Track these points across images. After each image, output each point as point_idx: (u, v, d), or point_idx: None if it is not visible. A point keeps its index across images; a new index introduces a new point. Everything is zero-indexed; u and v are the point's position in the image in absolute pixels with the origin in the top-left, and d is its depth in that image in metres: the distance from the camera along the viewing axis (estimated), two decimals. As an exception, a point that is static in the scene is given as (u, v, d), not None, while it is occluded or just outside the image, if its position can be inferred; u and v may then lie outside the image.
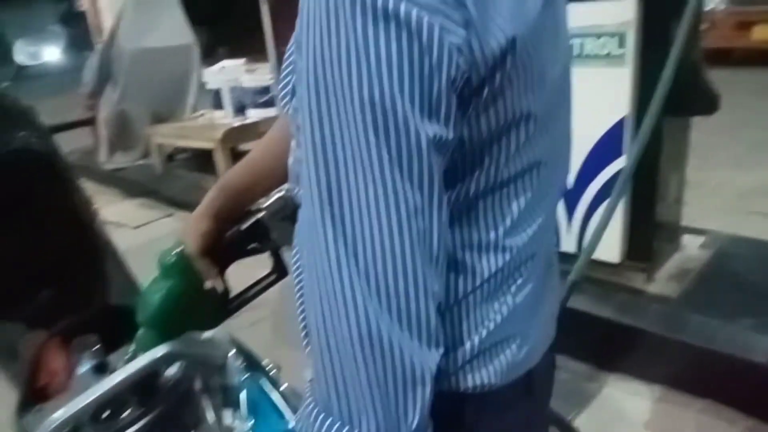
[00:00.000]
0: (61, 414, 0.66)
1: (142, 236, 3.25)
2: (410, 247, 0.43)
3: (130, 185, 4.18)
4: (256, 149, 0.77)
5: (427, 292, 0.44)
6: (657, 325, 1.88)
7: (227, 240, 0.74)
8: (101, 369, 0.88)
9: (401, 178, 0.42)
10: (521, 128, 0.48)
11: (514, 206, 0.51)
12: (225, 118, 3.85)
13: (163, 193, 3.90)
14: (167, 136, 4.08)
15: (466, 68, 0.42)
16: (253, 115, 3.79)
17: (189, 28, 4.48)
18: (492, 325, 0.53)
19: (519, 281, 0.54)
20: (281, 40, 3.09)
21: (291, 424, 0.85)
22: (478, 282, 0.52)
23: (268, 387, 0.90)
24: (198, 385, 0.82)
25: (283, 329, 2.14)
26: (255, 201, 0.77)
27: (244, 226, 0.75)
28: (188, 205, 3.62)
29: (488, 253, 0.52)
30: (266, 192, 0.78)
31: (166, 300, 0.71)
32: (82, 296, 1.12)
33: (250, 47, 4.10)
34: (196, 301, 0.74)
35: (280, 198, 0.79)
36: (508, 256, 0.52)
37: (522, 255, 0.53)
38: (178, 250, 0.72)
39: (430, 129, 0.42)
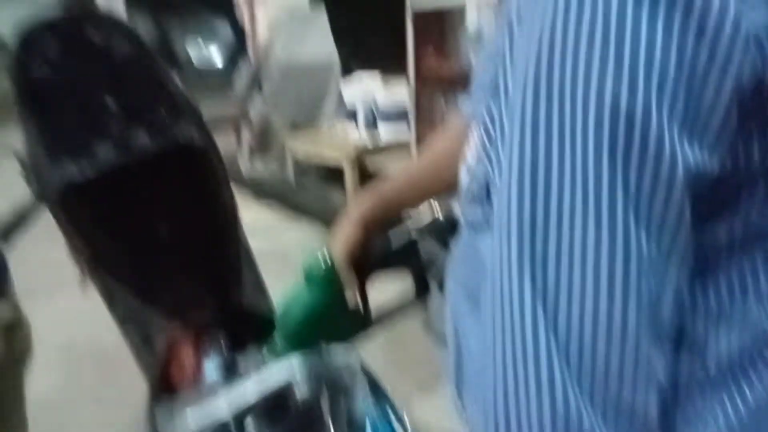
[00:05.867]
0: (197, 421, 0.64)
1: (268, 242, 3.38)
2: (634, 318, 0.32)
3: (262, 190, 4.38)
4: (418, 161, 0.74)
5: (651, 378, 0.34)
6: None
7: (375, 256, 0.71)
8: (230, 369, 0.87)
9: (636, 221, 0.31)
10: None
11: None
12: (357, 133, 3.92)
13: (292, 202, 4.04)
14: (301, 146, 4.24)
15: (762, 68, 0.31)
16: (386, 131, 3.82)
17: (333, 43, 4.66)
18: (724, 424, 0.39)
19: (762, 368, 0.40)
20: (421, 59, 3.10)
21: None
22: (710, 364, 0.39)
23: (393, 419, 0.84)
24: (325, 408, 0.78)
25: (395, 354, 2.10)
26: (406, 210, 0.74)
27: (395, 245, 0.71)
28: (315, 216, 3.73)
29: (729, 328, 0.39)
30: (420, 202, 0.74)
31: (310, 312, 0.69)
32: (217, 294, 1.14)
33: (386, 63, 4.16)
34: (336, 314, 0.71)
35: (434, 220, 0.75)
36: (757, 337, 0.39)
37: None
38: (324, 259, 0.69)
39: (691, 155, 0.31)
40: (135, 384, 1.08)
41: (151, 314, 1.14)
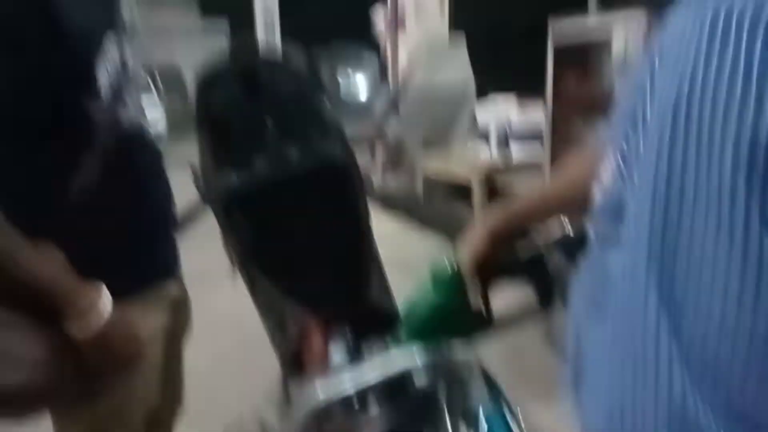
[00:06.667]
0: (325, 393, 0.73)
1: (394, 250, 3.51)
2: (764, 328, 0.33)
3: (394, 204, 4.54)
4: (554, 183, 0.76)
5: None
6: None
7: (502, 264, 0.75)
8: (355, 355, 0.97)
9: None
10: None
11: None
12: (488, 153, 3.94)
13: (420, 216, 4.15)
14: (432, 164, 4.33)
15: None
16: (517, 152, 3.80)
17: (469, 65, 4.73)
18: None
19: None
20: (560, 82, 3.07)
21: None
22: None
23: (508, 416, 0.88)
24: (442, 397, 0.84)
25: (512, 362, 2.10)
26: (535, 225, 0.77)
27: (524, 256, 0.75)
28: (440, 229, 3.81)
29: None
30: (549, 217, 0.76)
31: (435, 314, 0.75)
32: (346, 292, 1.25)
33: (523, 86, 4.15)
34: (459, 315, 0.76)
35: (563, 234, 0.77)
36: None
37: None
38: (451, 264, 0.74)
39: None
40: (272, 363, 1.22)
41: (287, 305, 1.27)
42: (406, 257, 3.39)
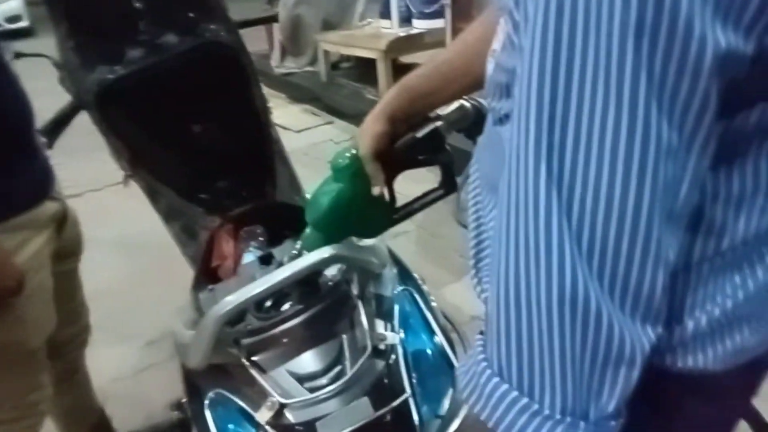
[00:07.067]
0: (233, 299, 0.70)
1: (303, 140, 3.40)
2: (648, 201, 0.32)
3: (296, 90, 4.34)
4: (445, 52, 0.70)
5: (659, 258, 0.34)
6: None
7: (400, 146, 0.70)
8: (266, 260, 0.92)
9: (658, 108, 0.31)
10: None
11: None
12: (391, 28, 3.80)
13: (325, 101, 4.01)
14: (334, 43, 4.14)
15: None
16: (420, 25, 3.69)
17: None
18: (729, 303, 0.41)
19: None
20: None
21: (436, 339, 0.84)
22: (724, 245, 0.40)
23: (420, 301, 0.89)
24: (355, 290, 0.83)
25: (427, 244, 2.15)
26: (436, 107, 0.71)
27: (420, 133, 0.70)
28: (349, 114, 3.70)
29: (749, 210, 0.39)
30: (450, 99, 0.71)
31: (336, 202, 0.71)
32: (253, 189, 1.18)
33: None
34: (363, 206, 0.72)
35: (460, 107, 0.73)
36: None
37: None
38: (351, 152, 0.70)
39: (724, 39, 0.30)
40: (182, 272, 1.16)
41: (192, 210, 1.19)
42: (316, 146, 3.32)
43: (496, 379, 0.39)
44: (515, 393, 0.38)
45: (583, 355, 0.36)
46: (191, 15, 1.15)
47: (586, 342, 0.35)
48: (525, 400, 0.37)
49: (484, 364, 0.40)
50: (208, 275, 1.01)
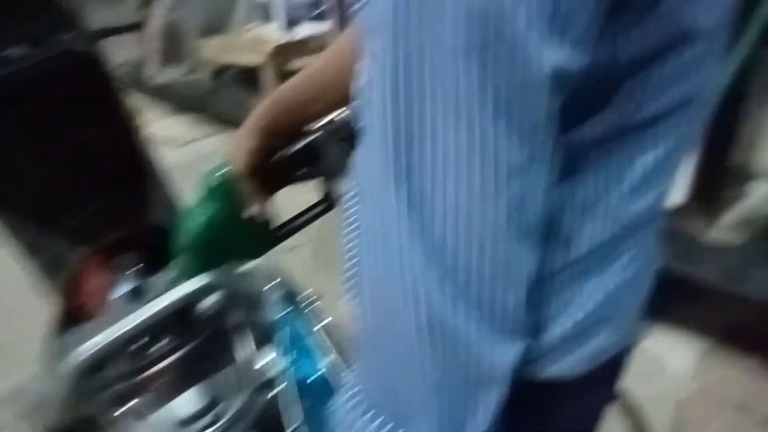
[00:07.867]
0: (92, 344, 0.63)
1: (189, 154, 3.25)
2: (505, 218, 0.32)
3: (177, 100, 4.15)
4: (318, 60, 0.67)
5: (518, 274, 0.34)
6: (714, 274, 1.76)
7: (275, 161, 0.67)
8: (139, 294, 0.85)
9: (505, 126, 0.30)
10: (674, 53, 0.35)
11: (639, 162, 0.39)
12: (274, 33, 3.72)
13: (210, 110, 3.85)
14: (215, 50, 4.00)
15: None
16: (305, 30, 3.64)
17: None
18: (590, 305, 0.42)
19: (625, 258, 0.42)
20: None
21: (329, 360, 0.82)
22: (574, 255, 0.41)
23: (311, 321, 0.86)
24: (236, 319, 0.78)
25: (324, 256, 2.12)
26: (314, 117, 0.68)
27: (294, 148, 0.67)
28: (235, 124, 3.58)
29: (594, 220, 0.40)
30: (327, 111, 0.68)
31: (208, 225, 0.65)
32: (124, 214, 1.09)
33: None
34: (240, 227, 0.68)
35: (337, 120, 0.71)
36: (618, 226, 0.40)
37: (635, 225, 0.41)
38: (223, 170, 0.65)
39: (555, 56, 0.30)
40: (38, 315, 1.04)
41: (58, 240, 1.09)
42: (200, 160, 3.18)
43: (372, 412, 0.38)
44: (391, 424, 0.37)
45: (452, 382, 0.35)
46: (41, 25, 1.06)
47: (455, 368, 0.35)
48: (401, 430, 0.37)
49: (358, 396, 0.39)
50: (72, 316, 0.92)
